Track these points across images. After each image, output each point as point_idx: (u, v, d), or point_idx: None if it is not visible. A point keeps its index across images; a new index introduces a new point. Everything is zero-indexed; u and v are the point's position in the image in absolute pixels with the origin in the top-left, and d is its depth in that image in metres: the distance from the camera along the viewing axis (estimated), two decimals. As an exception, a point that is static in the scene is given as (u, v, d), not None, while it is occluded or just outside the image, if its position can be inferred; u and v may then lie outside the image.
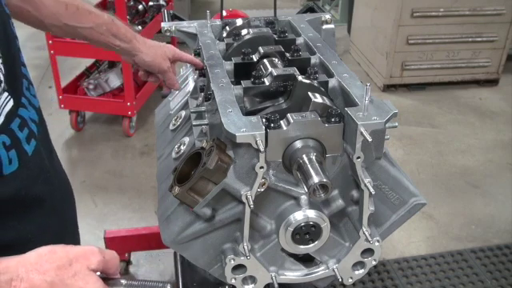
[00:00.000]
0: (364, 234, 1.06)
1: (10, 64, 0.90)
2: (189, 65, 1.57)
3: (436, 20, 4.27)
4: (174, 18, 1.62)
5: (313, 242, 1.06)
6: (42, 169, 0.98)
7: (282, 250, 1.09)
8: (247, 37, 1.27)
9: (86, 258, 0.79)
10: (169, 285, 0.86)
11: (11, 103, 0.89)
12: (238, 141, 0.91)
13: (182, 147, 1.28)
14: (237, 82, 1.12)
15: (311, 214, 1.02)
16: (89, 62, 4.05)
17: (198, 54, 1.34)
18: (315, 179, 0.91)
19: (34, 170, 0.94)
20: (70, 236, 1.14)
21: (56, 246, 0.79)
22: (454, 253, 2.76)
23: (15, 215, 0.90)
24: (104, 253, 0.82)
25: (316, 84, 1.05)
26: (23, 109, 0.93)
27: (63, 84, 3.62)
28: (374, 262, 1.14)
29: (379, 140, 0.98)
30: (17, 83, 0.93)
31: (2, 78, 0.86)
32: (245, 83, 1.09)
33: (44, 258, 0.77)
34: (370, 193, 0.99)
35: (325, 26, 1.48)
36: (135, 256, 2.73)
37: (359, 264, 1.14)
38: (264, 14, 1.55)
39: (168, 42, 1.39)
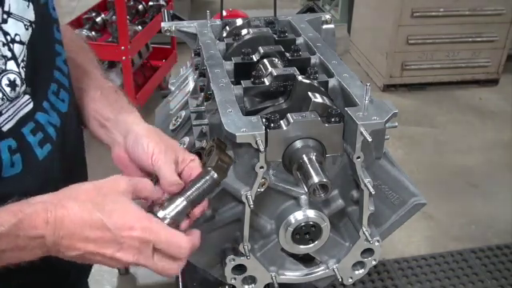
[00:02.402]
0: (364, 233, 1.06)
1: (38, 68, 0.89)
2: (189, 64, 1.57)
3: (436, 20, 4.28)
4: (174, 17, 1.62)
5: (313, 241, 1.06)
6: (52, 175, 0.95)
7: (282, 249, 1.09)
8: (247, 37, 1.27)
9: (114, 182, 0.83)
10: (213, 172, 0.87)
11: (30, 106, 0.88)
12: (238, 141, 0.91)
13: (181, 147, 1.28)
14: (237, 82, 1.12)
15: (311, 213, 1.03)
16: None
17: (197, 54, 1.33)
18: (315, 179, 0.91)
19: (42, 175, 0.92)
20: None
21: (81, 183, 0.84)
22: (454, 253, 2.76)
23: None
24: (131, 178, 0.84)
25: (316, 84, 1.05)
26: (42, 113, 0.92)
27: (63, 84, 3.62)
28: (373, 262, 1.14)
29: (379, 140, 0.98)
30: (42, 87, 0.92)
31: (19, 82, 0.85)
32: (245, 83, 1.09)
33: (73, 189, 0.81)
34: (370, 193, 0.99)
35: (325, 26, 1.48)
36: (135, 256, 2.72)
37: (359, 264, 1.14)
38: (264, 13, 1.55)
39: (168, 43, 1.37)
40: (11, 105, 0.84)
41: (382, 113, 0.96)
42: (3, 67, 0.83)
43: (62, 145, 0.99)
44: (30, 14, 0.87)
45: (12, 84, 0.84)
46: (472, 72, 4.58)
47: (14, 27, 0.84)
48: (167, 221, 0.83)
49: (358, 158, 0.96)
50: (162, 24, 1.46)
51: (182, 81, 1.53)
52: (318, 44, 1.25)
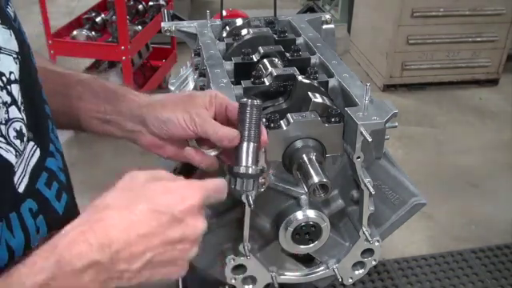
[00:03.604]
0: (364, 233, 1.06)
1: (33, 107, 0.76)
2: (189, 64, 1.57)
3: (436, 20, 4.28)
4: (174, 17, 1.62)
5: (313, 242, 1.06)
6: None
7: (282, 249, 1.09)
8: (247, 37, 1.27)
9: (130, 177, 0.70)
10: (249, 101, 0.82)
11: (37, 154, 0.75)
12: (238, 141, 0.91)
13: (181, 147, 1.28)
14: (237, 82, 1.12)
15: (311, 213, 1.03)
16: (89, 61, 4.05)
17: (197, 54, 1.33)
18: (315, 179, 0.91)
19: None
20: None
21: (99, 197, 0.69)
22: (454, 253, 2.76)
23: None
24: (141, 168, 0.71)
25: (316, 84, 1.05)
26: (51, 158, 0.79)
27: (63, 84, 3.61)
28: (373, 262, 1.14)
29: (379, 140, 0.98)
30: (42, 128, 0.79)
31: (25, 130, 0.71)
32: (245, 83, 1.09)
33: (94, 204, 0.68)
34: (370, 193, 0.99)
35: (325, 26, 1.48)
36: (135, 256, 2.72)
37: (359, 264, 1.14)
38: (264, 13, 1.55)
39: (168, 43, 1.34)
40: (20, 158, 0.70)
41: (381, 113, 0.96)
42: (6, 116, 0.68)
43: (71, 189, 0.88)
44: (14, 44, 0.73)
45: (20, 134, 0.70)
46: (472, 72, 4.58)
47: (7, 64, 0.70)
48: (251, 170, 0.82)
49: (358, 157, 0.96)
50: (162, 24, 1.46)
51: (182, 81, 1.53)
52: (318, 44, 1.25)
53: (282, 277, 1.13)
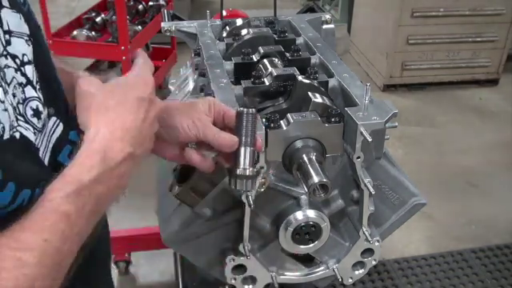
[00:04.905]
0: (364, 233, 1.06)
1: (50, 84, 0.81)
2: (189, 64, 1.57)
3: (436, 20, 4.27)
4: (174, 17, 1.62)
5: (313, 242, 1.06)
6: None
7: (282, 249, 1.09)
8: (247, 37, 1.27)
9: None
10: (245, 110, 0.89)
11: (60, 128, 0.80)
12: (238, 141, 0.91)
13: (182, 147, 1.28)
14: (237, 82, 1.12)
15: (311, 213, 1.03)
16: (89, 61, 4.04)
17: (198, 54, 1.34)
18: (315, 179, 0.91)
19: None
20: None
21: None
22: (454, 253, 2.76)
23: None
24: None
25: (316, 84, 1.05)
26: (74, 131, 0.83)
27: (63, 84, 3.61)
28: (373, 262, 1.14)
29: (379, 140, 0.98)
30: (61, 103, 0.83)
31: (41, 108, 0.76)
32: (245, 83, 1.09)
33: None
34: (370, 193, 0.99)
35: (325, 26, 1.48)
36: (135, 256, 2.73)
37: (359, 264, 1.14)
38: (264, 13, 1.55)
39: (168, 43, 1.34)
40: (41, 135, 0.76)
41: (381, 113, 0.96)
42: (23, 96, 0.73)
43: None
44: (25, 27, 0.78)
45: (36, 112, 0.75)
46: (472, 72, 4.58)
47: (19, 47, 0.75)
48: (248, 171, 0.87)
49: (358, 157, 0.96)
50: (162, 24, 1.46)
51: (182, 81, 1.53)
52: (318, 44, 1.25)
53: (282, 277, 1.13)
